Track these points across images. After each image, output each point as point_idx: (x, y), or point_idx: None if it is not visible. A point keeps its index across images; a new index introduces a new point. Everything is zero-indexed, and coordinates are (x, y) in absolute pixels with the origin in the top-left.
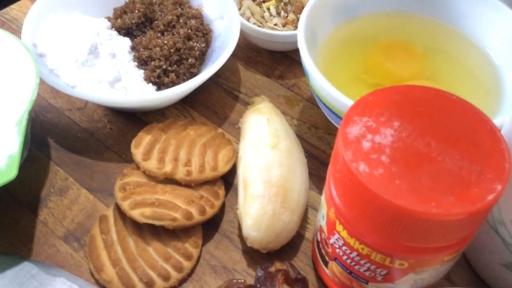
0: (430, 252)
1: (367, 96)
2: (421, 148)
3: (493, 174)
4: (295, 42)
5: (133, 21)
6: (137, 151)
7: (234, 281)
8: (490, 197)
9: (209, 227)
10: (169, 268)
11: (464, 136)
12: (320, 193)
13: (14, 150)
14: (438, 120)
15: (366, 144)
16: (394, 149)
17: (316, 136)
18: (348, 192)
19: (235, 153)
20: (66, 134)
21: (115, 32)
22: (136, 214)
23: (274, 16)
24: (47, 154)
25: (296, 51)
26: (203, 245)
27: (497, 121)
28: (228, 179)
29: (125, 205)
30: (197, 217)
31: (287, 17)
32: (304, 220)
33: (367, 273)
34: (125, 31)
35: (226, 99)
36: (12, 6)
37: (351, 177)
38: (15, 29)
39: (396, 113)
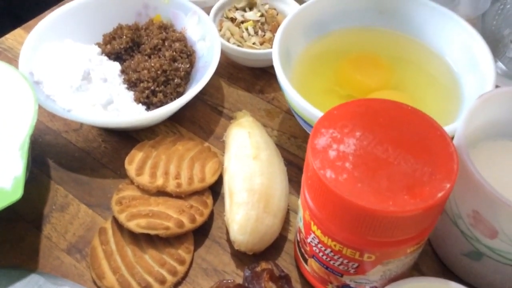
0: (393, 245)
1: (332, 110)
2: (380, 154)
3: (443, 175)
4: (272, 59)
5: (122, 46)
6: (131, 167)
7: (224, 281)
8: (440, 195)
9: (200, 234)
10: (164, 272)
11: (418, 142)
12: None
13: (19, 172)
14: (395, 129)
15: (332, 153)
16: (356, 156)
17: (296, 145)
18: (319, 196)
19: (221, 164)
20: (64, 155)
21: (105, 57)
22: (133, 225)
23: (252, 36)
24: (47, 174)
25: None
26: (194, 250)
27: (455, 125)
28: (216, 189)
29: (122, 217)
30: (188, 225)
31: (264, 35)
32: (286, 222)
33: (341, 267)
34: (114, 55)
35: (211, 114)
36: (7, 35)
37: (320, 183)
38: (11, 58)
39: (358, 124)
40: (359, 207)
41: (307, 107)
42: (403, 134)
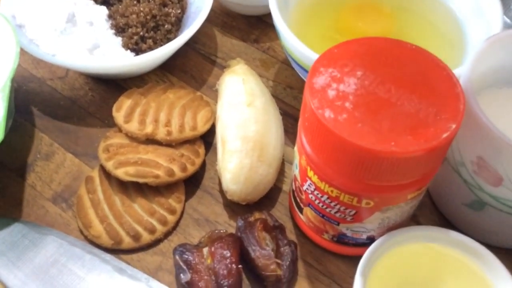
0: (393, 190)
1: (332, 48)
2: (382, 94)
3: (448, 115)
4: (268, 6)
5: None
6: (119, 114)
7: (216, 231)
8: (445, 135)
9: (191, 184)
10: (154, 222)
11: (422, 82)
12: None
13: (0, 115)
14: (398, 68)
15: (331, 93)
16: (357, 96)
17: (292, 96)
18: (316, 138)
19: (214, 113)
20: (48, 103)
21: (92, 1)
22: (120, 173)
23: None
24: (32, 122)
25: (271, 15)
26: (186, 201)
27: (457, 71)
28: (208, 139)
29: (109, 165)
30: (179, 174)
31: None
32: (280, 173)
33: (337, 215)
34: (101, 0)
35: (204, 64)
36: None
37: (318, 123)
38: None
39: (359, 63)
40: (359, 148)
41: (306, 52)
42: (407, 73)
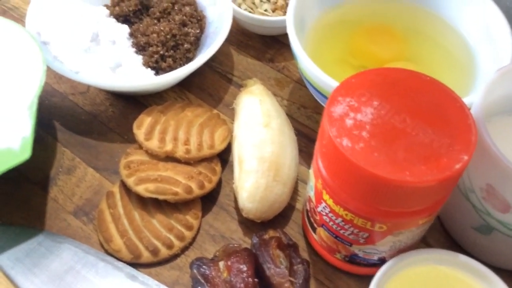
0: (406, 216)
1: (350, 78)
2: (398, 124)
3: (461, 146)
4: (284, 27)
5: (130, 9)
6: (139, 132)
7: (230, 245)
8: (457, 166)
9: (208, 201)
10: (172, 237)
11: (436, 112)
12: (309, 168)
13: (27, 132)
14: (413, 99)
15: (349, 122)
16: (373, 126)
17: (305, 115)
18: (333, 164)
19: (230, 132)
20: (70, 117)
21: (114, 20)
22: (141, 189)
23: (264, 2)
24: (54, 136)
25: (286, 35)
26: (202, 217)
27: (469, 98)
28: (224, 157)
29: (130, 181)
30: (197, 191)
31: (276, 2)
32: (294, 192)
33: (351, 237)
34: (122, 18)
35: (220, 82)
36: None
37: (336, 151)
38: (17, 18)
39: (376, 93)
40: (375, 176)
41: (321, 76)
42: (421, 104)
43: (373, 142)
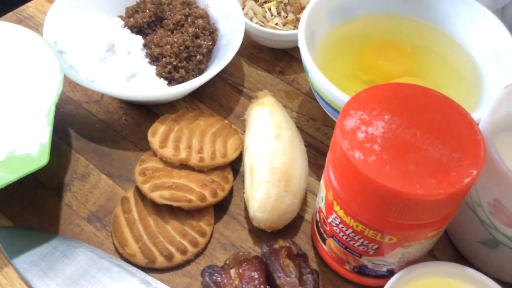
0: (415, 228)
1: (361, 92)
2: (408, 138)
3: (470, 161)
4: (295, 41)
5: (145, 20)
6: (154, 139)
7: (240, 253)
8: (466, 180)
9: (218, 210)
10: (186, 243)
11: (445, 128)
12: (318, 180)
13: (45, 139)
14: (423, 114)
15: (360, 135)
16: (385, 139)
17: (314, 128)
18: (345, 176)
19: (242, 142)
20: (84, 125)
21: (128, 31)
22: (156, 196)
23: (275, 16)
24: (68, 143)
25: (296, 48)
26: (214, 224)
27: (476, 115)
28: (234, 166)
29: (145, 188)
30: (210, 199)
31: (287, 17)
32: (304, 203)
33: (360, 248)
34: (137, 29)
35: (231, 93)
36: (28, 4)
37: (348, 163)
38: (32, 26)
39: (387, 107)
40: (386, 189)
41: (332, 90)
42: (431, 119)
43: (384, 155)
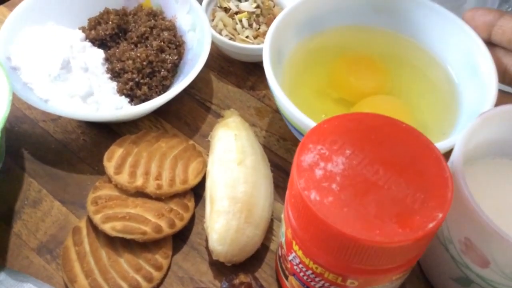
0: (378, 273)
1: (322, 123)
2: (370, 176)
3: (436, 202)
4: None
5: (107, 32)
6: (110, 164)
7: None
8: (431, 225)
9: (178, 239)
10: (139, 278)
11: (411, 164)
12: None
13: None
14: (387, 148)
15: (318, 172)
16: (344, 177)
17: (284, 148)
18: (302, 217)
19: (205, 165)
20: (40, 146)
21: (89, 44)
22: (108, 228)
23: (246, 28)
24: (21, 166)
25: None
26: (172, 256)
27: (451, 140)
28: (198, 191)
29: (97, 218)
30: (167, 230)
31: (259, 29)
32: (269, 232)
33: None
34: (99, 42)
35: (198, 110)
36: None
37: (304, 204)
38: None
39: (349, 141)
40: (343, 235)
41: (297, 114)
42: (396, 154)
43: (343, 196)
